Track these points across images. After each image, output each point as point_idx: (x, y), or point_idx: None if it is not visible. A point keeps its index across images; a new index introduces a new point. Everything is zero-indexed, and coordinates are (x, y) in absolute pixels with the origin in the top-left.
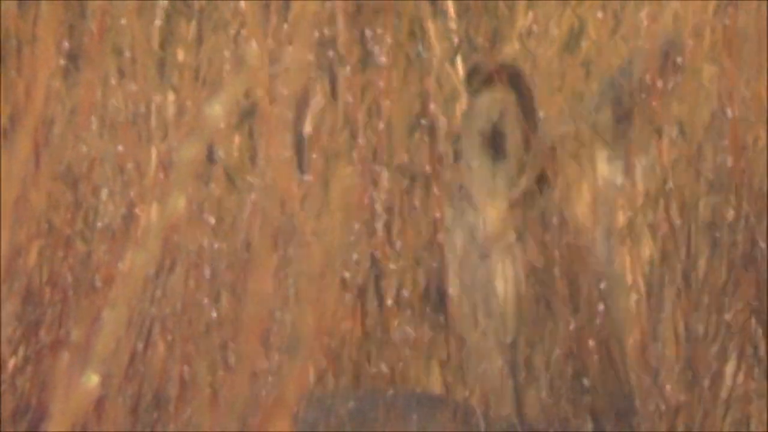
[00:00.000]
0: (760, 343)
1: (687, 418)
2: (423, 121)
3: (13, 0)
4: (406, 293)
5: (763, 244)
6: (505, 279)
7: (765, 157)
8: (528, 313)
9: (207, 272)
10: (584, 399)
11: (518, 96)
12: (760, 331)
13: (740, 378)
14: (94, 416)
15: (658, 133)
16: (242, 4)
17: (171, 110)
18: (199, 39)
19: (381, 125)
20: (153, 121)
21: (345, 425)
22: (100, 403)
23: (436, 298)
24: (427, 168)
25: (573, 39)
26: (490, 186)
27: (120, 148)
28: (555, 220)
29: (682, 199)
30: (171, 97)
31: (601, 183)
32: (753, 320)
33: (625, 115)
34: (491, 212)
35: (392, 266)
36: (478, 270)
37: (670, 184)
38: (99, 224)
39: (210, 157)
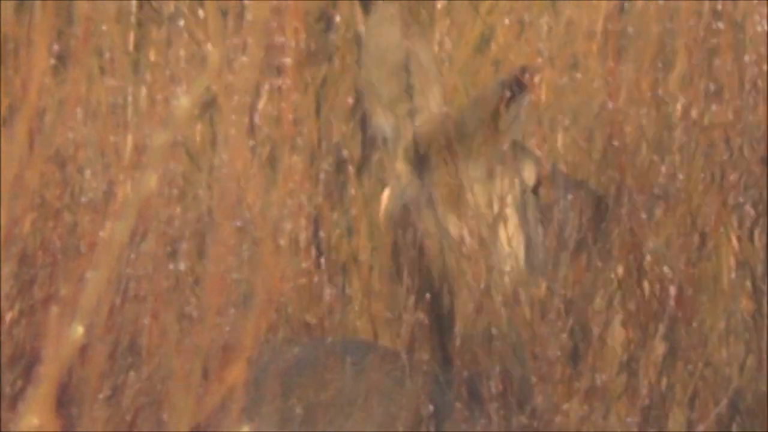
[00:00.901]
0: (638, 297)
1: (579, 362)
2: (357, 113)
3: (10, 3)
4: (342, 257)
5: (644, 215)
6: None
7: (645, 141)
8: (445, 270)
9: (174, 239)
10: (493, 346)
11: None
12: (639, 286)
13: (616, 320)
14: (79, 361)
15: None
16: (201, 11)
17: (144, 102)
18: (168, 42)
19: (321, 116)
20: (129, 112)
21: (291, 368)
22: (83, 350)
23: (368, 263)
24: (360, 152)
25: (484, 41)
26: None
27: (101, 134)
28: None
29: (575, 177)
30: (144, 91)
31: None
32: (634, 276)
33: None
34: (413, 187)
35: (330, 235)
36: (406, 233)
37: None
38: (83, 199)
39: (177, 142)
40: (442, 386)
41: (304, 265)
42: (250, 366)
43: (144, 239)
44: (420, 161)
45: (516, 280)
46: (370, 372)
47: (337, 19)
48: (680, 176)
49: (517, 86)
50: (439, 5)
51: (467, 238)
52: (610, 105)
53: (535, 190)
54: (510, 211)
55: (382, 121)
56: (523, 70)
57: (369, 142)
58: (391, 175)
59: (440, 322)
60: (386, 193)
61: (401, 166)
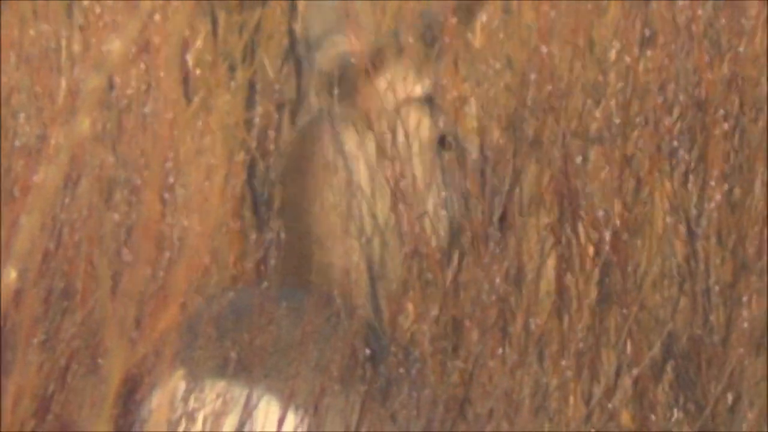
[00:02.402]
0: (572, 242)
1: (513, 306)
2: (291, 58)
3: None
4: (276, 204)
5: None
6: (363, 193)
7: (579, 85)
8: (381, 220)
9: (107, 184)
10: (427, 292)
11: None
12: (574, 235)
13: (558, 270)
14: (13, 305)
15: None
16: None
17: (77, 47)
18: None
19: (255, 61)
20: (63, 56)
21: (226, 313)
22: (17, 294)
23: (302, 208)
24: (294, 95)
25: None
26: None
27: (34, 79)
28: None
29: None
30: (78, 36)
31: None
32: (567, 224)
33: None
34: (351, 133)
35: (264, 180)
36: (341, 184)
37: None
38: (17, 143)
39: (110, 87)
40: (377, 330)
41: (238, 210)
42: (184, 312)
43: (77, 184)
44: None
45: (444, 226)
46: (305, 317)
47: None
48: (615, 121)
49: None
50: None
51: (399, 181)
52: (544, 49)
53: (441, 141)
54: (421, 157)
55: (316, 55)
56: None
57: (303, 82)
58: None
59: (372, 266)
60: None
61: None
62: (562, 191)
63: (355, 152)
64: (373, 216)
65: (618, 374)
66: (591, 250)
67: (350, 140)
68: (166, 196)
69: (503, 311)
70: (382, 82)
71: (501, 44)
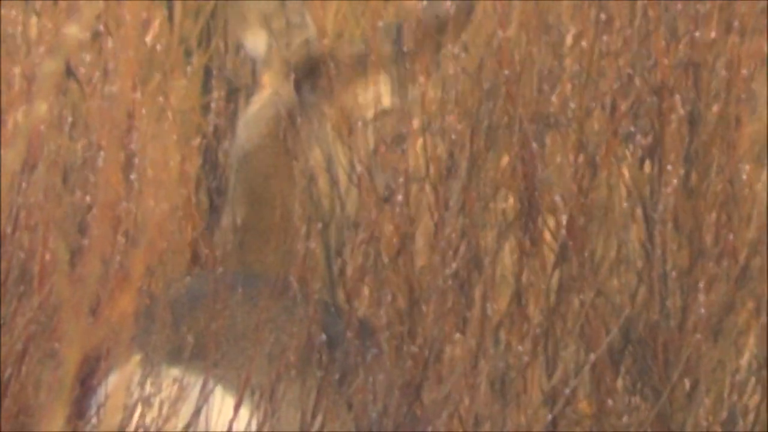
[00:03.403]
0: (536, 232)
1: (468, 289)
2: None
3: None
4: (234, 189)
5: (535, 144)
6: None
7: (535, 70)
8: (334, 200)
9: (65, 168)
10: (382, 275)
11: None
12: (530, 216)
13: (516, 256)
14: None
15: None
16: None
17: (34, 31)
18: None
19: (210, 47)
20: (19, 40)
21: (182, 297)
22: None
23: (258, 193)
24: (249, 80)
25: None
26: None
27: None
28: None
29: (465, 106)
30: (34, 20)
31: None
32: (526, 205)
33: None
34: (324, 129)
35: (219, 164)
36: (301, 170)
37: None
38: None
39: (68, 72)
40: (334, 316)
41: (195, 195)
42: (141, 296)
43: (35, 168)
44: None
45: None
46: (261, 302)
47: None
48: (571, 105)
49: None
50: None
51: (357, 167)
52: (500, 34)
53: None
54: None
55: (256, 39)
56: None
57: (242, 62)
58: (263, 88)
59: (329, 252)
60: (255, 100)
61: (276, 80)
62: (519, 176)
63: (323, 145)
64: (332, 201)
65: (576, 360)
66: (548, 235)
67: (322, 136)
68: (123, 180)
69: (460, 297)
70: (357, 88)
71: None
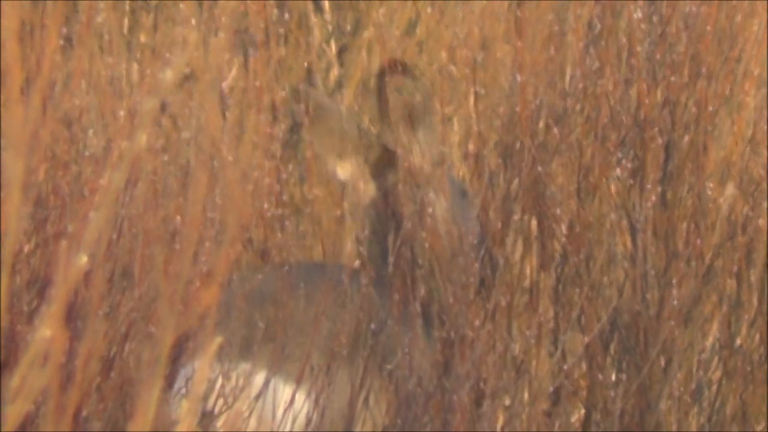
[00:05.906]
0: (533, 231)
1: (488, 286)
2: (307, 83)
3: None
4: (297, 200)
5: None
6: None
7: (544, 108)
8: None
9: (160, 186)
10: (419, 273)
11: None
12: (539, 229)
13: (518, 253)
14: (84, 283)
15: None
16: (182, 3)
17: (136, 76)
18: (155, 27)
19: (279, 87)
20: (123, 83)
21: (255, 291)
22: (87, 275)
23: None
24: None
25: (411, 26)
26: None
27: (101, 101)
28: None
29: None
30: (135, 66)
31: None
32: (534, 217)
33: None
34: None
35: (287, 182)
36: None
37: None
38: (86, 153)
39: (162, 108)
40: (378, 307)
41: (266, 207)
42: (223, 289)
43: (135, 186)
44: None
45: (443, 223)
46: (318, 296)
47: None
48: (572, 136)
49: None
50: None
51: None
52: (519, 78)
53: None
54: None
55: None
56: (393, 61)
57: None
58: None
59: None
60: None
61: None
62: (530, 193)
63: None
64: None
65: (573, 342)
66: (552, 240)
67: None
68: (208, 194)
69: (481, 290)
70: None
71: (479, 74)
